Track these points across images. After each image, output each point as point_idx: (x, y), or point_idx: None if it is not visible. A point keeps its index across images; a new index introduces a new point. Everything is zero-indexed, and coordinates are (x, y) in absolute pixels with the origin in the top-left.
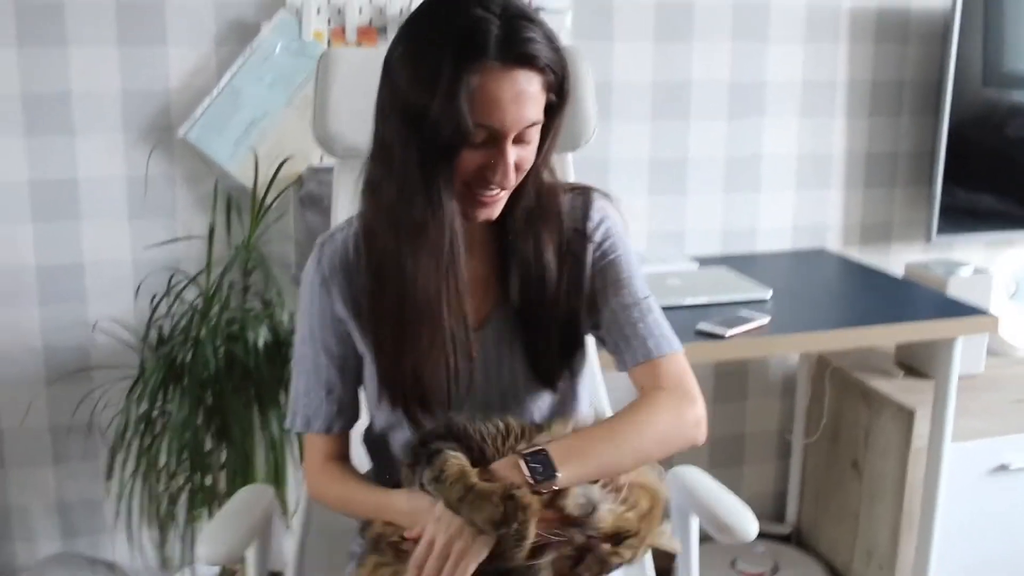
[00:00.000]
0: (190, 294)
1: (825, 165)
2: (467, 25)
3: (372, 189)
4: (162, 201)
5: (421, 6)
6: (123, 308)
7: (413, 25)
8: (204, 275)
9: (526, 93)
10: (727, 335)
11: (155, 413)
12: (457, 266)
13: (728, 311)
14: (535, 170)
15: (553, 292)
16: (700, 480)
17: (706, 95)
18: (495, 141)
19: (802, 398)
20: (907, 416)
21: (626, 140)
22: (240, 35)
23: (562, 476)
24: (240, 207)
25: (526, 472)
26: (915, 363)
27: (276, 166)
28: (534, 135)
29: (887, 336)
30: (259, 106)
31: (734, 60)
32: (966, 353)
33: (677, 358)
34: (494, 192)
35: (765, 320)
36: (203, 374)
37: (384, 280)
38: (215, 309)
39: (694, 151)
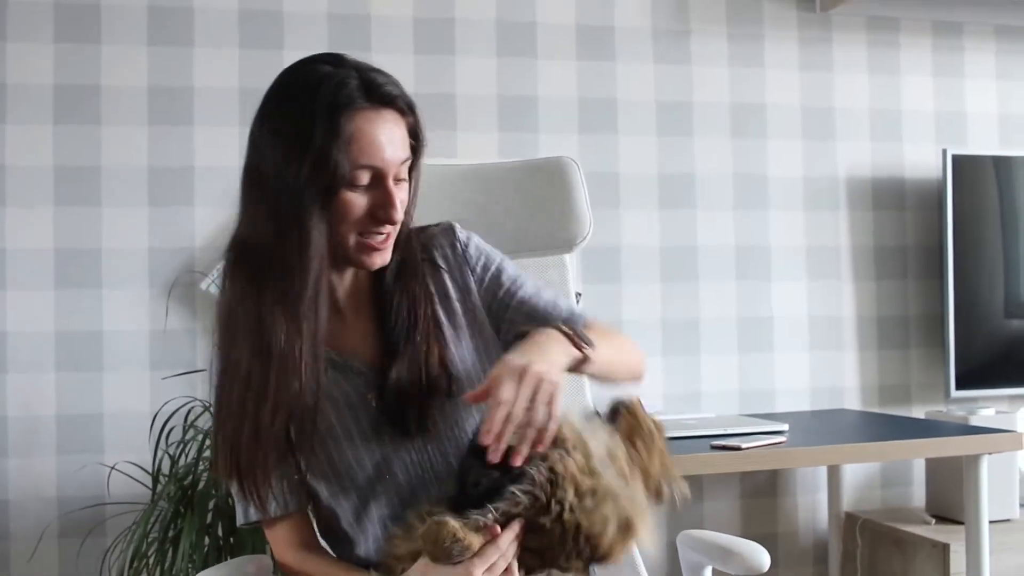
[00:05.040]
0: (205, 424)
1: (836, 328)
2: (329, 82)
3: (240, 249)
4: (183, 353)
5: (274, 86)
6: (141, 457)
7: (273, 101)
8: None
9: (395, 131)
10: (743, 447)
11: (167, 544)
12: (317, 312)
13: (744, 440)
14: (406, 219)
15: (424, 332)
16: (707, 534)
17: (713, 258)
18: (378, 181)
19: (835, 554)
20: (942, 552)
21: (637, 301)
22: None
23: (596, 349)
24: None
25: (569, 331)
26: (945, 511)
27: None
28: (405, 174)
29: (912, 451)
30: None
31: (737, 226)
32: (997, 498)
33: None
34: (384, 234)
35: (783, 439)
36: (215, 498)
37: (242, 337)
38: None
39: (706, 311)
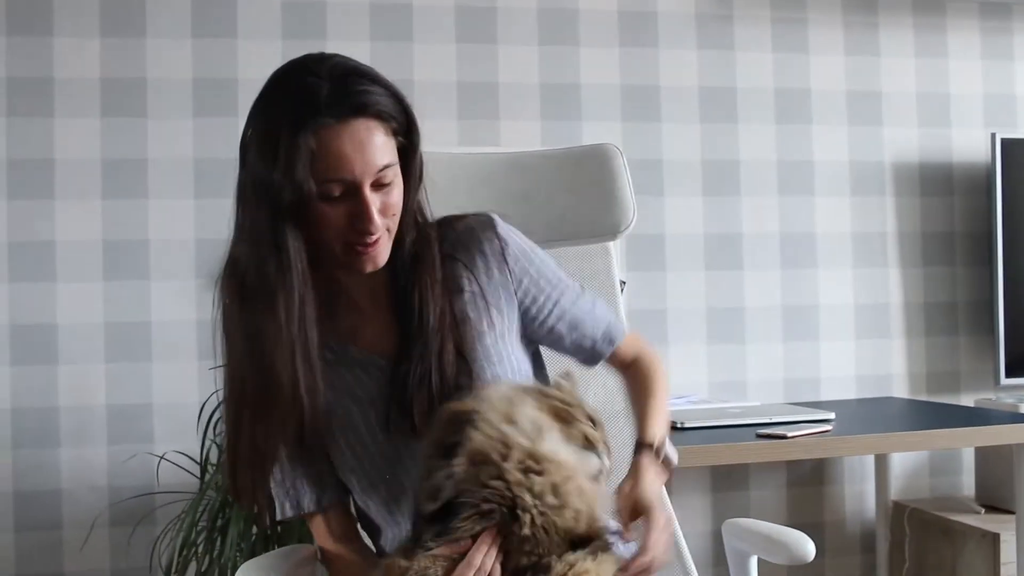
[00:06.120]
0: None
1: (883, 315)
2: (298, 93)
3: (232, 267)
4: None
5: (261, 90)
6: (189, 446)
7: (256, 108)
8: None
9: (367, 140)
10: (789, 435)
11: (216, 532)
12: (306, 334)
13: (790, 428)
14: (408, 212)
15: (437, 326)
16: (752, 523)
17: (757, 245)
18: (353, 192)
19: (882, 543)
20: (992, 542)
21: (682, 289)
22: None
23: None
24: None
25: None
26: (996, 501)
27: None
28: (391, 177)
29: (960, 439)
30: None
31: (782, 212)
32: None
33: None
34: (369, 240)
35: (829, 427)
36: None
37: (248, 353)
38: None
39: (750, 300)
